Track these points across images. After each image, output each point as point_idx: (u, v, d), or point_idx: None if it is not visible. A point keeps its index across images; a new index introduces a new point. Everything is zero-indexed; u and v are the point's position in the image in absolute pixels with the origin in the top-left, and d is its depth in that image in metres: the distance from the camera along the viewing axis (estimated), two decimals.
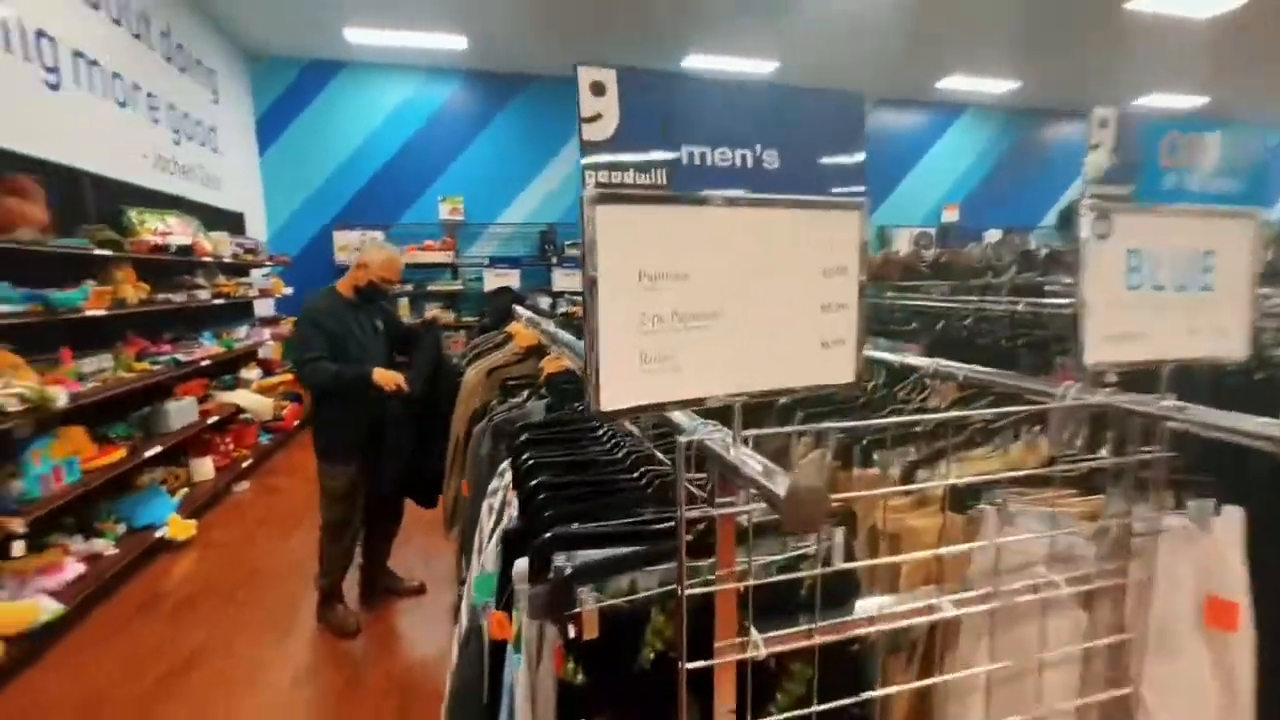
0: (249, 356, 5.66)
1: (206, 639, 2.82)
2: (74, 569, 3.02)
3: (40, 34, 3.70)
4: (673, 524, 0.75)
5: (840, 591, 0.80)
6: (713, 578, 0.69)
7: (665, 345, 0.60)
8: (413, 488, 2.89)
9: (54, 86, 3.79)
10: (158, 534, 3.59)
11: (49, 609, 2.74)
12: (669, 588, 0.72)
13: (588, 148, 0.64)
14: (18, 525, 2.65)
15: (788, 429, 0.71)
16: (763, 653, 0.70)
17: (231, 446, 4.84)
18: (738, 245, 0.61)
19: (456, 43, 6.54)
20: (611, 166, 0.65)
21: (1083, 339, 0.76)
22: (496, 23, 6.16)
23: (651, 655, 0.71)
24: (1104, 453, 0.92)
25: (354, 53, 6.81)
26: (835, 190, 0.78)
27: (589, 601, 0.67)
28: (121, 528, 3.49)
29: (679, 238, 0.59)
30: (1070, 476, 0.92)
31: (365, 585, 3.07)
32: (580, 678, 0.68)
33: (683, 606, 0.67)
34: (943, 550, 0.82)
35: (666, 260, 0.59)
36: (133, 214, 4.17)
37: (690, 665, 0.68)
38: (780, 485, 0.53)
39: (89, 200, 3.82)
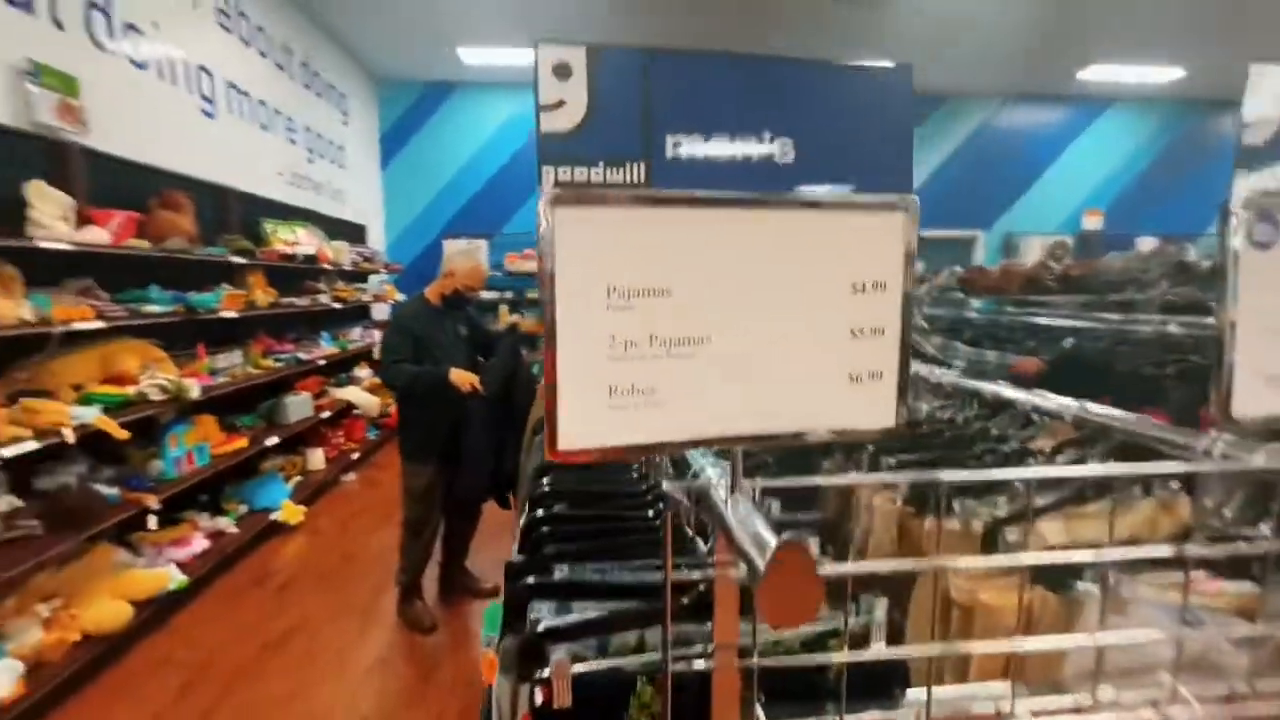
0: (361, 357, 6.11)
1: (301, 618, 3.02)
2: (200, 544, 3.36)
3: (201, 69, 4.21)
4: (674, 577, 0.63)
5: (883, 677, 0.65)
6: (707, 651, 0.57)
7: (642, 375, 0.50)
8: (490, 489, 2.95)
9: (209, 114, 4.30)
10: (272, 517, 3.92)
11: (176, 578, 3.05)
12: (655, 657, 0.61)
13: (547, 140, 0.56)
14: (153, 501, 2.97)
15: (806, 481, 0.58)
16: None
17: (342, 440, 5.23)
18: (735, 255, 0.50)
19: None
20: (576, 161, 0.56)
21: (1228, 381, 0.56)
22: (606, 37, 6.27)
23: None
24: (1265, 530, 0.70)
25: (467, 73, 7.21)
26: (874, 186, 0.64)
27: (560, 666, 0.58)
28: (242, 508, 3.85)
29: (660, 246, 0.49)
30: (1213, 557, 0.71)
31: (443, 583, 3.17)
32: None
33: (668, 682, 0.56)
34: (1022, 641, 0.65)
35: (643, 273, 0.49)
36: (267, 225, 4.63)
37: None
38: (762, 555, 0.42)
39: (231, 213, 4.28)
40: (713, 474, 0.58)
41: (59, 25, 3.06)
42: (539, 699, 0.57)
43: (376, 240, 7.30)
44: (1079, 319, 2.53)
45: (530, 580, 0.67)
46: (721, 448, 0.52)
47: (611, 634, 0.61)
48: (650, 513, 0.88)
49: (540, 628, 0.61)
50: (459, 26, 6.04)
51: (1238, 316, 0.55)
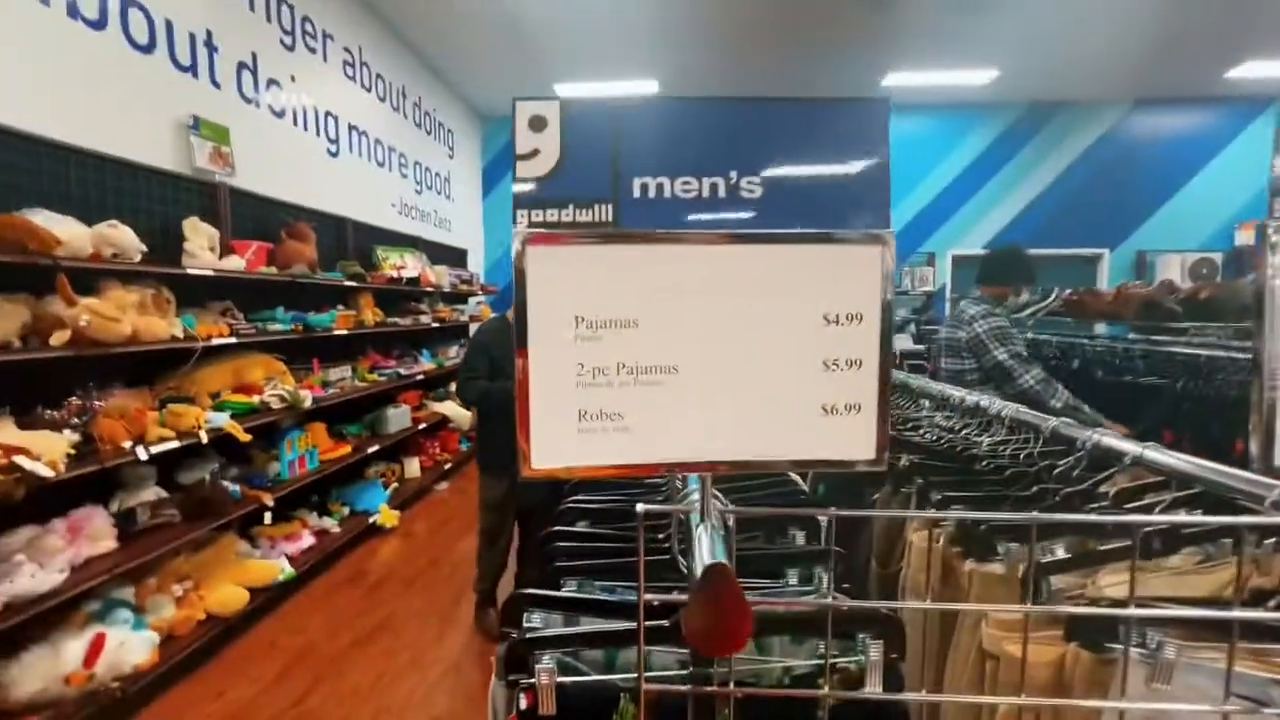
0: (455, 374, 6.51)
1: (387, 617, 3.24)
2: (307, 540, 3.70)
3: (328, 114, 4.74)
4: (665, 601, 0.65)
5: (878, 715, 0.63)
6: (684, 673, 0.58)
7: (610, 402, 0.53)
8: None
9: (333, 154, 4.82)
10: (370, 520, 4.25)
11: (285, 570, 3.37)
12: (632, 676, 0.62)
13: (521, 185, 0.60)
14: (269, 499, 3.32)
15: (781, 511, 0.56)
16: None
17: (437, 450, 5.58)
18: (700, 288, 0.52)
19: (648, 86, 6.95)
20: (547, 204, 0.60)
21: (1269, 423, 0.50)
22: (685, 62, 6.43)
23: None
24: None
25: None
26: (848, 223, 0.63)
27: (543, 674, 0.61)
28: (345, 510, 4.20)
29: (626, 280, 0.52)
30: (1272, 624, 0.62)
31: None
32: None
33: (641, 699, 0.57)
34: (1036, 700, 0.60)
35: (611, 305, 0.52)
36: (379, 251, 5.09)
37: None
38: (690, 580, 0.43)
39: (348, 240, 4.75)
40: (695, 498, 0.60)
41: (216, 84, 3.57)
42: (523, 703, 0.60)
43: (476, 264, 7.79)
44: (1202, 348, 2.25)
45: (526, 591, 0.71)
46: (688, 473, 0.54)
47: (595, 648, 0.63)
48: (662, 535, 0.90)
49: (526, 636, 0.64)
50: (556, 65, 6.41)
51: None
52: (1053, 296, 3.89)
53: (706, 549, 0.47)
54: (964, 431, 1.40)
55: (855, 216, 0.62)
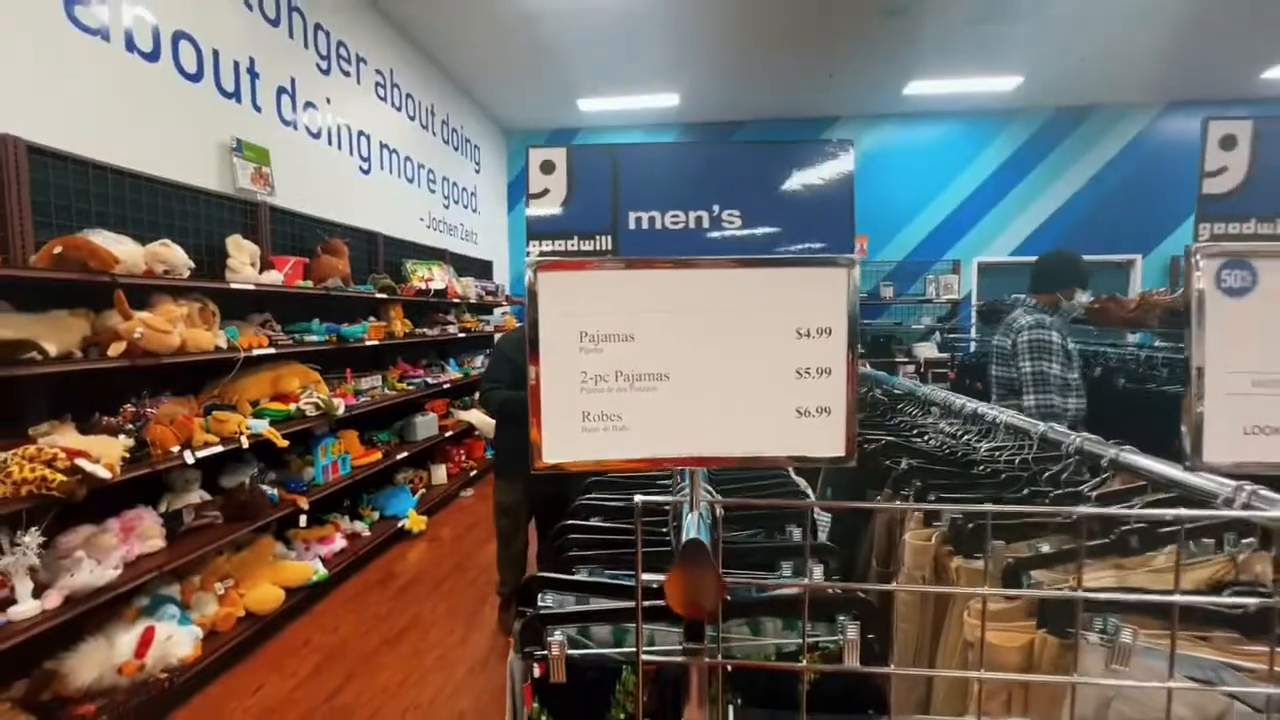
0: (478, 383, 6.66)
1: (415, 618, 3.36)
2: (340, 543, 3.84)
3: (361, 133, 4.95)
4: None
5: (856, 695, 0.69)
6: (677, 648, 0.66)
7: (610, 405, 0.61)
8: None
9: (365, 171, 5.02)
10: (399, 524, 4.38)
11: (319, 572, 3.52)
12: (630, 650, 0.70)
13: (533, 220, 0.69)
14: (304, 503, 3.47)
15: (764, 502, 0.63)
16: None
17: (463, 458, 5.72)
18: (688, 307, 0.60)
19: (669, 100, 7.07)
20: (555, 235, 0.68)
21: (1198, 426, 0.55)
22: (706, 76, 6.53)
23: (621, 716, 0.70)
24: None
25: (586, 119, 7.77)
26: (818, 246, 0.70)
27: (554, 646, 0.69)
28: (375, 515, 4.34)
29: (623, 300, 0.60)
30: (1234, 614, 0.67)
31: None
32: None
33: (640, 669, 0.65)
34: (980, 674, 0.66)
35: (610, 322, 0.60)
36: (409, 265, 5.26)
37: None
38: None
39: (379, 254, 4.93)
40: (687, 491, 0.67)
41: (257, 108, 3.78)
42: (536, 672, 0.68)
43: (501, 275, 7.97)
44: None
45: (540, 575, 0.79)
46: (679, 467, 0.62)
47: (599, 624, 0.71)
48: (665, 530, 0.97)
49: (540, 613, 0.72)
50: (579, 81, 6.58)
51: (1205, 362, 0.55)
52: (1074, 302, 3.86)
53: (690, 530, 0.54)
54: (965, 438, 1.45)
55: (822, 239, 0.68)
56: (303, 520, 3.51)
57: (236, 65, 3.60)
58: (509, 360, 2.94)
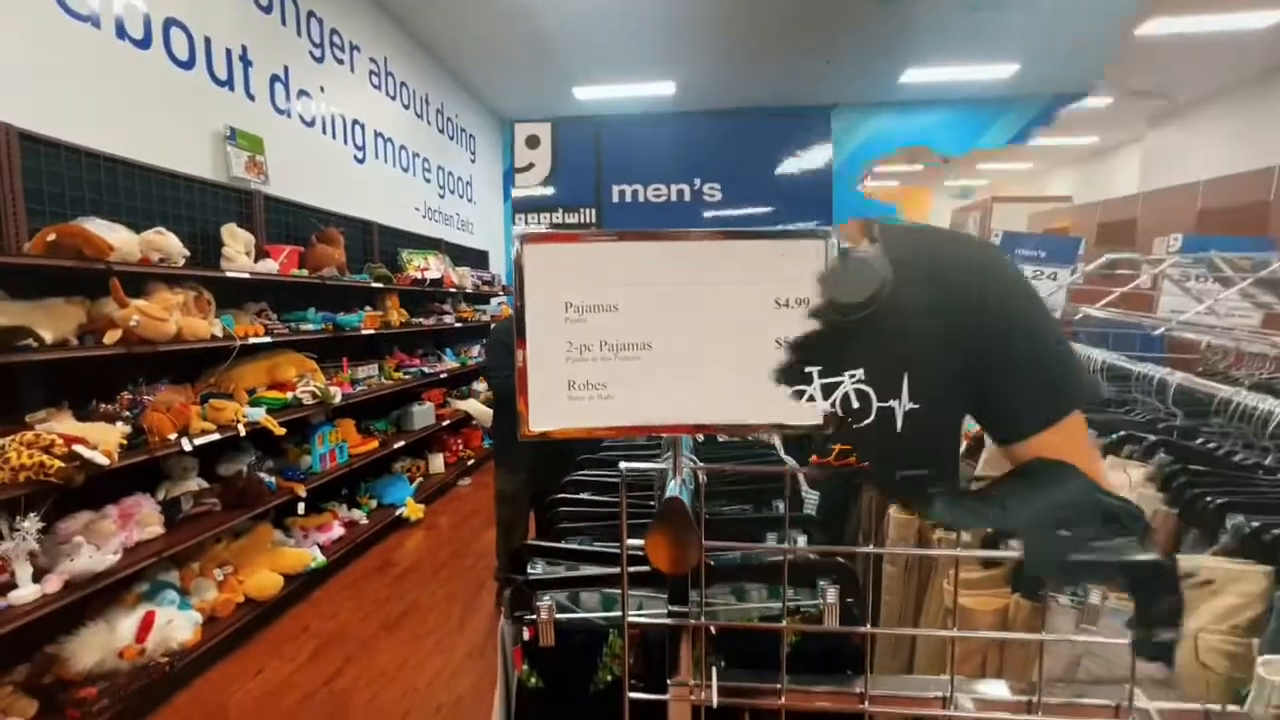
0: (479, 372, 6.67)
1: (413, 604, 3.39)
2: (338, 531, 3.87)
3: (355, 122, 4.93)
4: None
5: (836, 657, 0.72)
6: (663, 612, 0.68)
7: (595, 374, 0.63)
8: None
9: (360, 160, 5.01)
10: (397, 512, 4.41)
11: (317, 559, 3.54)
12: (616, 614, 0.72)
13: (519, 193, 0.70)
14: (302, 490, 3.49)
15: (743, 469, 0.65)
16: (714, 701, 0.67)
17: (460, 446, 5.74)
18: (670, 278, 0.62)
19: (666, 88, 7.05)
20: (540, 209, 0.69)
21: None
22: (702, 64, 6.51)
23: (608, 678, 0.72)
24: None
25: (583, 108, 7.74)
26: (796, 218, 0.72)
27: (543, 610, 0.71)
28: (373, 503, 4.37)
29: (606, 272, 0.62)
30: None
31: None
32: (535, 682, 0.72)
33: (625, 632, 0.67)
34: (953, 633, 0.68)
35: (594, 293, 0.62)
36: (404, 254, 5.26)
37: (634, 696, 0.67)
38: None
39: (375, 243, 4.93)
40: (670, 460, 0.69)
41: (250, 96, 3.76)
42: (526, 636, 0.70)
43: (497, 264, 7.96)
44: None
45: (529, 543, 0.82)
46: (663, 434, 0.63)
47: (586, 589, 0.73)
48: (652, 503, 0.99)
49: (530, 579, 0.74)
50: (574, 70, 6.55)
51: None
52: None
53: (670, 491, 0.56)
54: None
55: (801, 214, 0.69)
56: (301, 508, 3.53)
57: (229, 53, 3.58)
58: (504, 346, 2.96)
